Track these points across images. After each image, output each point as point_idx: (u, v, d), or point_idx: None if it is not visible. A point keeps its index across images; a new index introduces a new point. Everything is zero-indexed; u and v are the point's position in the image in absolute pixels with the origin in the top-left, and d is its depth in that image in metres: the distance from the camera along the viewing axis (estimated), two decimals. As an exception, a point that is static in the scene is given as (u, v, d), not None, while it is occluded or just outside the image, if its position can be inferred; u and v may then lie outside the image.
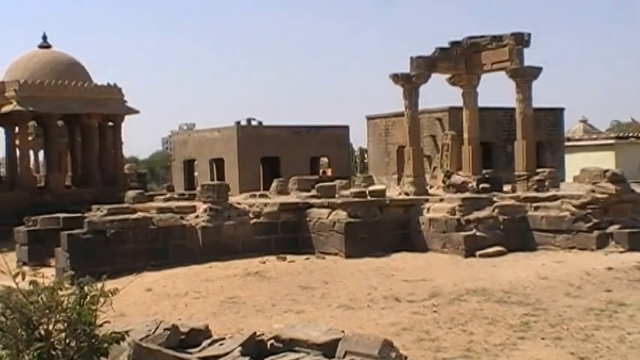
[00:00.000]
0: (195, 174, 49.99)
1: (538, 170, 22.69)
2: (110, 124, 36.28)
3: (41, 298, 6.19)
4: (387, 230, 20.23)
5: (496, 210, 19.86)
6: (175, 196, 26.19)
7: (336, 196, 21.63)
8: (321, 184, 23.01)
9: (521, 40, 23.18)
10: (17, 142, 34.61)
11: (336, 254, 19.43)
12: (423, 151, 26.08)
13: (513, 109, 24.10)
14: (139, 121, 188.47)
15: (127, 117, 36.25)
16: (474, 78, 25.27)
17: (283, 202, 21.43)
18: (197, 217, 20.18)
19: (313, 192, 22.48)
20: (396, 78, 23.78)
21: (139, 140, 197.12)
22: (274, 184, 25.31)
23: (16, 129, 34.26)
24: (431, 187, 25.15)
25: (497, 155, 34.48)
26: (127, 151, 52.78)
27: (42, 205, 28.45)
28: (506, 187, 22.71)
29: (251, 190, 30.13)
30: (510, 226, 19.50)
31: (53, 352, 6.05)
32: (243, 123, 47.55)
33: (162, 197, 25.03)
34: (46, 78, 33.72)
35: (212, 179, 40.84)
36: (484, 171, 24.03)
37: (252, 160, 41.84)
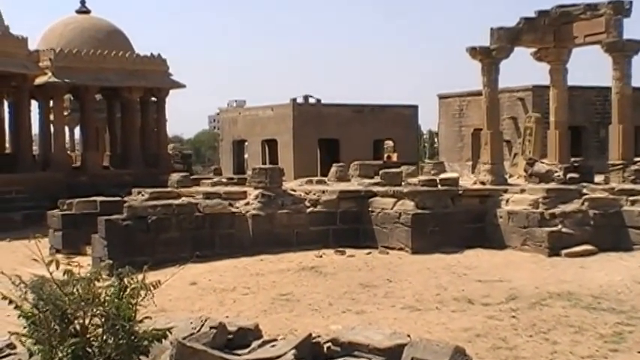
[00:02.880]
0: (246, 156, 50.45)
1: (636, 159, 22.22)
2: (153, 99, 36.76)
3: (77, 290, 6.28)
4: (459, 223, 20.07)
5: (586, 203, 19.52)
6: (223, 180, 26.40)
7: (403, 184, 21.54)
8: (385, 170, 22.92)
9: (621, 8, 22.66)
10: (52, 117, 35.27)
11: (401, 249, 19.36)
12: (502, 134, 25.75)
13: (608, 89, 23.64)
14: (185, 97, 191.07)
15: (171, 92, 36.68)
16: (564, 52, 24.82)
17: (343, 190, 21.42)
18: (247, 204, 20.31)
19: (377, 179, 22.42)
20: (474, 52, 23.49)
21: (183, 118, 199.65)
22: (333, 169, 25.33)
23: (51, 103, 34.95)
24: (510, 176, 24.84)
25: (588, 141, 33.95)
26: (171, 130, 53.44)
27: (77, 187, 29.04)
28: (598, 178, 22.31)
29: (307, 175, 30.21)
30: (602, 222, 19.14)
31: (89, 350, 6.14)
32: (300, 100, 47.74)
33: (208, 181, 25.25)
34: (83, 47, 34.26)
35: (264, 162, 41.19)
36: (572, 159, 23.64)
37: (308, 142, 41.99)
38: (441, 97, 40.89)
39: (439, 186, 20.99)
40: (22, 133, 32.60)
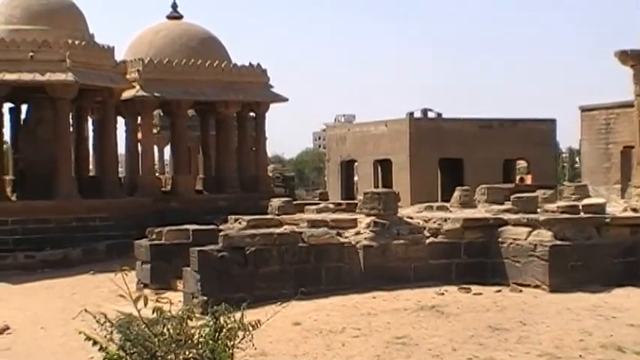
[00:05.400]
0: (355, 179, 50.60)
1: None
2: (251, 114, 37.27)
3: (167, 330, 6.42)
4: (606, 257, 19.60)
5: None
6: (330, 206, 26.51)
7: (538, 211, 21.20)
8: (518, 195, 22.60)
9: None
10: (139, 135, 36.14)
11: (536, 286, 19.01)
12: (658, 153, 25.10)
13: None
14: (286, 112, 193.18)
15: (271, 106, 37.09)
16: None
17: (468, 218, 21.20)
18: (358, 233, 20.32)
19: (507, 205, 22.12)
20: (625, 56, 23.03)
21: (285, 135, 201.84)
22: (456, 193, 25.13)
23: (139, 119, 35.83)
24: (668, 201, 24.19)
25: None
26: (271, 149, 54.17)
27: (167, 213, 29.71)
28: None
29: (426, 200, 30.01)
30: None
31: (181, 396, 6.25)
32: (418, 114, 47.67)
33: (313, 207, 25.40)
34: (175, 56, 35.03)
35: (376, 186, 41.25)
36: None
37: (427, 162, 41.83)
38: (584, 109, 40.17)
39: (582, 213, 20.58)
40: (107, 153, 33.54)
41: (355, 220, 21.10)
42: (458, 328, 14.93)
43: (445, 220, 21.04)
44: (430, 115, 49.04)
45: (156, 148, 41.83)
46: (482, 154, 41.78)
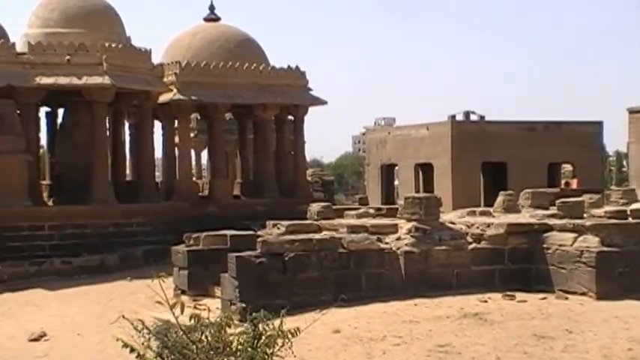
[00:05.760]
0: (396, 183, 50.50)
1: None
2: (290, 117, 37.31)
3: (205, 337, 6.43)
4: (655, 264, 19.41)
5: None
6: (370, 211, 26.47)
7: (585, 216, 21.03)
8: (563, 199, 22.46)
9: None
10: (176, 139, 36.33)
11: (583, 294, 18.86)
12: None
13: None
14: (325, 115, 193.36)
15: (310, 109, 37.10)
16: None
17: (512, 223, 21.08)
18: (398, 239, 20.27)
19: (552, 210, 21.98)
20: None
21: (324, 139, 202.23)
22: (500, 198, 24.98)
23: (175, 123, 36.03)
24: None
25: None
26: (310, 153, 54.20)
27: (204, 218, 29.79)
28: None
29: (468, 205, 29.89)
30: None
31: (219, 405, 6.26)
32: (460, 117, 47.58)
33: (353, 212, 25.37)
34: (212, 59, 35.17)
35: (417, 190, 41.11)
36: None
37: (470, 166, 41.63)
38: (632, 111, 39.77)
39: (630, 218, 20.40)
40: (144, 157, 33.74)
41: (396, 225, 21.06)
42: (502, 337, 14.86)
43: (488, 226, 20.95)
44: (473, 117, 48.89)
45: (193, 152, 42.10)
46: (526, 157, 41.51)
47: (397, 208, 24.18)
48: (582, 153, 43.76)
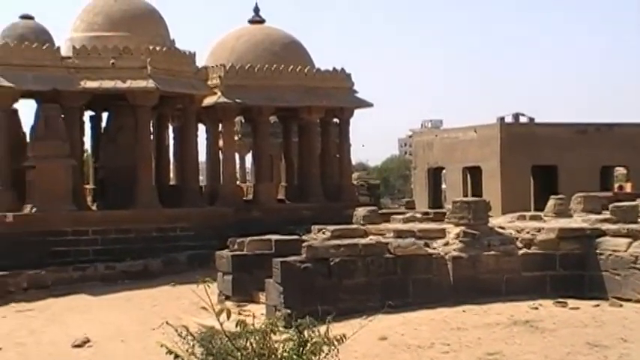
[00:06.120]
0: (443, 187, 50.33)
1: None
2: (335, 120, 37.31)
3: (250, 344, 6.42)
4: None
5: None
6: (417, 215, 26.42)
7: (639, 220, 20.81)
8: (616, 203, 22.22)
9: None
10: (220, 143, 36.47)
11: (638, 301, 18.64)
12: None
13: None
14: (371, 117, 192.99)
15: (356, 112, 37.09)
16: None
17: (563, 228, 20.90)
18: (446, 244, 20.18)
19: (605, 214, 21.77)
20: None
21: (369, 142, 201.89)
22: (550, 202, 24.80)
23: (220, 126, 36.18)
24: None
25: None
26: (355, 156, 54.20)
27: (249, 223, 29.86)
28: None
29: (518, 209, 29.70)
30: None
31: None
32: (509, 119, 47.29)
33: (400, 217, 25.33)
34: (257, 61, 35.28)
35: (465, 194, 40.94)
36: None
37: (519, 170, 41.37)
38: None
39: (686, 223, 20.14)
40: (188, 161, 33.92)
41: (444, 230, 20.97)
42: (554, 345, 14.71)
43: (539, 231, 20.78)
44: (522, 119, 48.54)
45: (237, 156, 42.17)
46: (578, 160, 41.19)
47: (445, 213, 24.08)
48: (636, 156, 43.30)
